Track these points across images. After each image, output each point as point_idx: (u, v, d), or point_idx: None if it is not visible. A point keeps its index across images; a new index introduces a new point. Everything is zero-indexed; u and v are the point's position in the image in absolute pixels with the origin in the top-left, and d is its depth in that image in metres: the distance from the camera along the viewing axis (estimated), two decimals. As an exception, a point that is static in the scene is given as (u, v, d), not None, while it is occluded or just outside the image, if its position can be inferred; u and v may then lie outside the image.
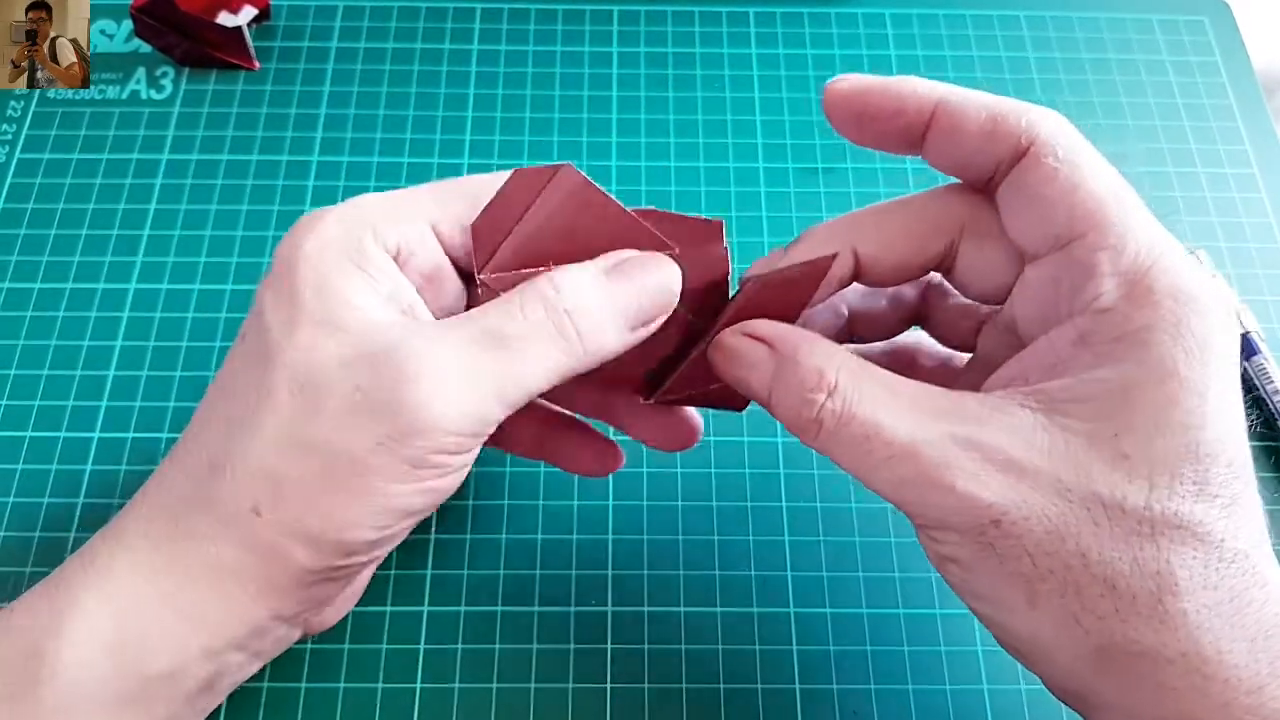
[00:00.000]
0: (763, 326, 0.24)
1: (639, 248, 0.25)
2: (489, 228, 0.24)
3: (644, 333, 0.25)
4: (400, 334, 0.23)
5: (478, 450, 0.24)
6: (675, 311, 0.26)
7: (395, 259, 0.25)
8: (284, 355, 0.22)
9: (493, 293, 0.24)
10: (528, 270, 0.25)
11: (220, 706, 0.30)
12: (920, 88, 0.23)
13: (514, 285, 0.24)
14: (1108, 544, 0.20)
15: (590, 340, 0.23)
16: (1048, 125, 0.22)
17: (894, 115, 0.23)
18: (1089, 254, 0.21)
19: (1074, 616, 0.20)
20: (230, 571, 0.22)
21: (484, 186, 0.25)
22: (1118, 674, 0.20)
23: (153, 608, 0.22)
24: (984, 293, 0.25)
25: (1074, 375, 0.21)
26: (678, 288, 0.25)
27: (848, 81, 0.24)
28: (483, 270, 0.24)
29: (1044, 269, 0.23)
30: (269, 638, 0.24)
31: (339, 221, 0.24)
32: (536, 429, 0.30)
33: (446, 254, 0.26)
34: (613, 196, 0.25)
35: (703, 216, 0.25)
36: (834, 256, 0.24)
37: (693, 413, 0.29)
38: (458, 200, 0.25)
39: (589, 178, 0.24)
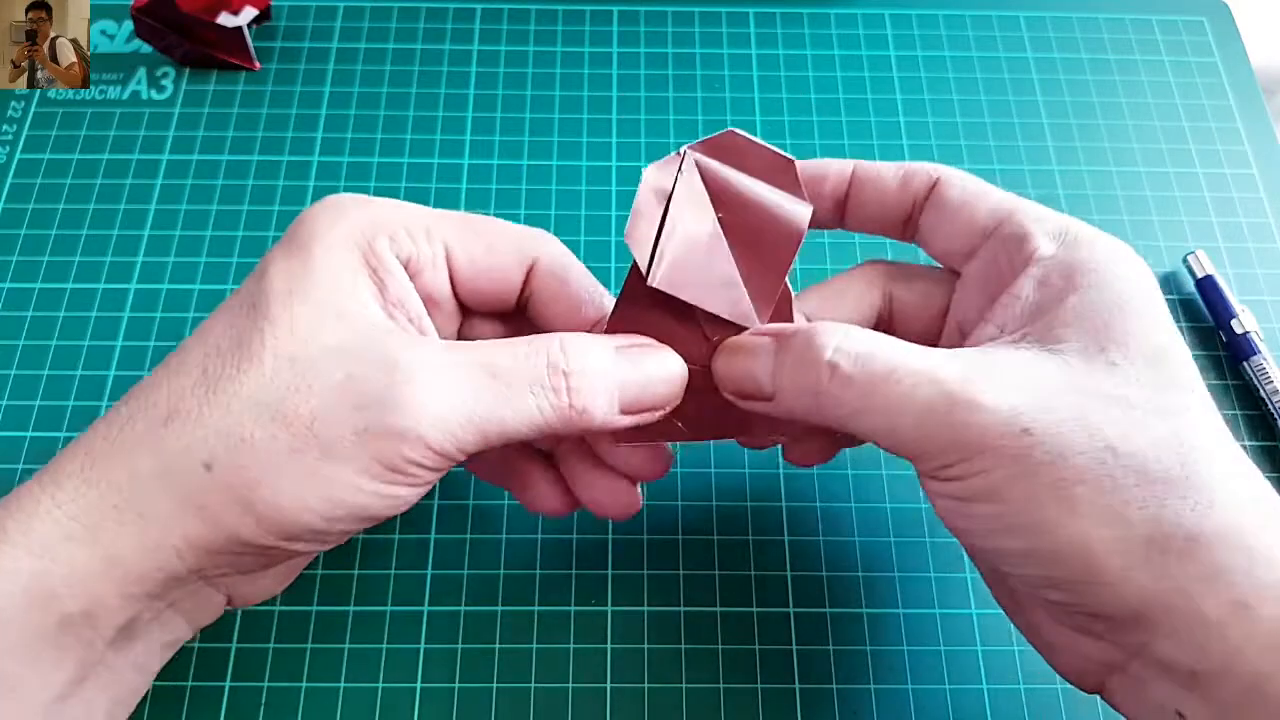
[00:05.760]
0: (765, 328, 0.26)
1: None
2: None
3: (636, 420, 0.26)
4: (401, 341, 0.23)
5: (444, 473, 0.24)
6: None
7: (405, 268, 0.25)
8: (279, 325, 0.23)
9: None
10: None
11: (221, 705, 0.30)
12: (836, 162, 0.28)
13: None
14: (1129, 433, 0.21)
15: (579, 406, 0.24)
16: (946, 168, 0.27)
17: (820, 181, 0.28)
18: (1019, 226, 0.25)
19: (1118, 513, 0.21)
20: (160, 520, 0.22)
21: (504, 233, 0.27)
22: (1169, 564, 0.20)
23: (72, 546, 0.22)
24: (924, 322, 0.28)
25: (1048, 313, 0.24)
26: (679, 388, 0.26)
27: None
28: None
29: (980, 258, 0.26)
30: (187, 592, 0.24)
31: (362, 216, 0.25)
32: (498, 455, 0.29)
33: (451, 283, 0.27)
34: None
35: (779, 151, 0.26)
36: (793, 160, 0.26)
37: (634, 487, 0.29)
38: (475, 237, 0.26)
39: None
